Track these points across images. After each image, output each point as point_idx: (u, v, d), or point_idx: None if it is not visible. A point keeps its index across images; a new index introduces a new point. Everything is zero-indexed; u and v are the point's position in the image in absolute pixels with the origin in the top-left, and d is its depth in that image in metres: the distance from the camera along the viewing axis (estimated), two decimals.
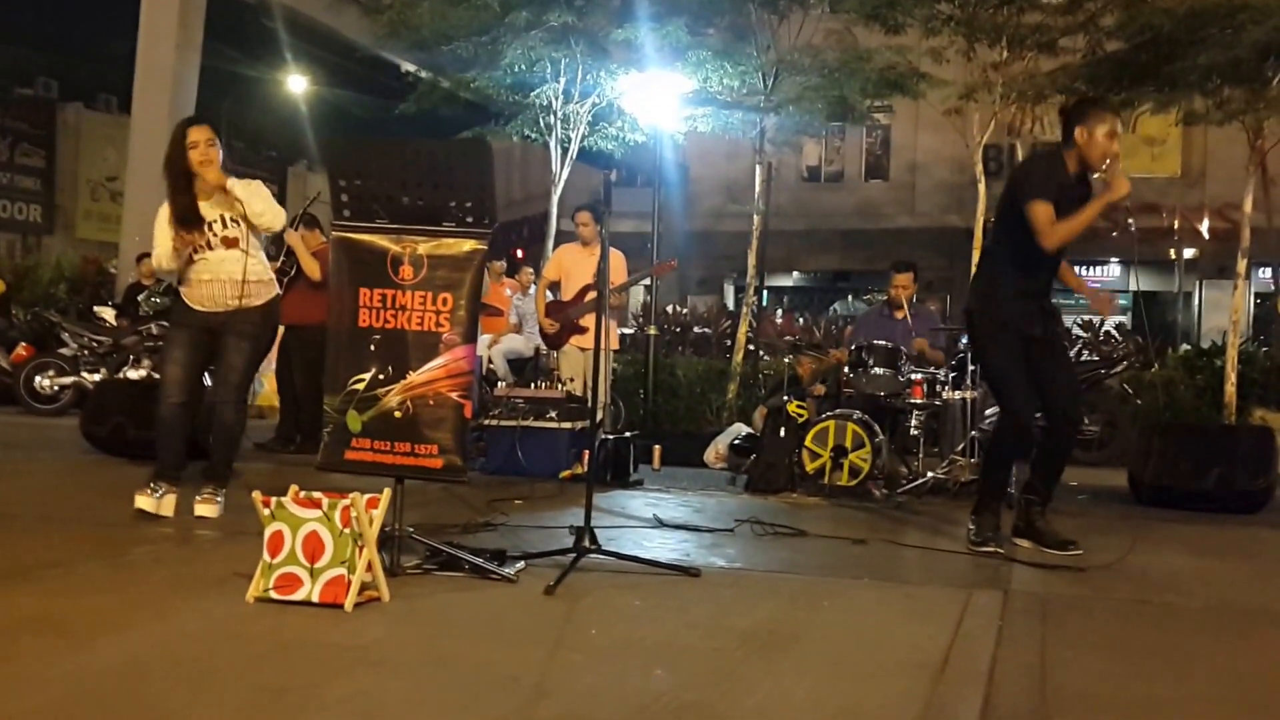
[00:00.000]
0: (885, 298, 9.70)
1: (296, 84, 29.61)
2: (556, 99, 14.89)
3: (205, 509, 6.07)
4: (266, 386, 14.18)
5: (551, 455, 8.57)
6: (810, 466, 8.25)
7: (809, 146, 28.65)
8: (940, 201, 27.17)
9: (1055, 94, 13.77)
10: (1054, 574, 5.34)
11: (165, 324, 13.25)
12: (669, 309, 17.80)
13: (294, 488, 4.24)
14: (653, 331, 13.21)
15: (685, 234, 27.32)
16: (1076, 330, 14.90)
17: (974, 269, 13.90)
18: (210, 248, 6.16)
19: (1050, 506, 6.14)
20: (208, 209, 6.18)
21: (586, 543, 4.93)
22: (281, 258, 9.74)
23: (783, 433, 8.46)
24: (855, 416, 8.29)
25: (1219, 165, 24.76)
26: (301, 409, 9.92)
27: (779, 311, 23.02)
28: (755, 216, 14.36)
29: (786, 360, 10.40)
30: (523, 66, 14.16)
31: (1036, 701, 3.34)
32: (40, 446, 10.05)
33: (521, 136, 16.11)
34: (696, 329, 16.71)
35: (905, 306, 9.23)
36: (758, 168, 14.50)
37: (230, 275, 6.12)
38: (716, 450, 9.87)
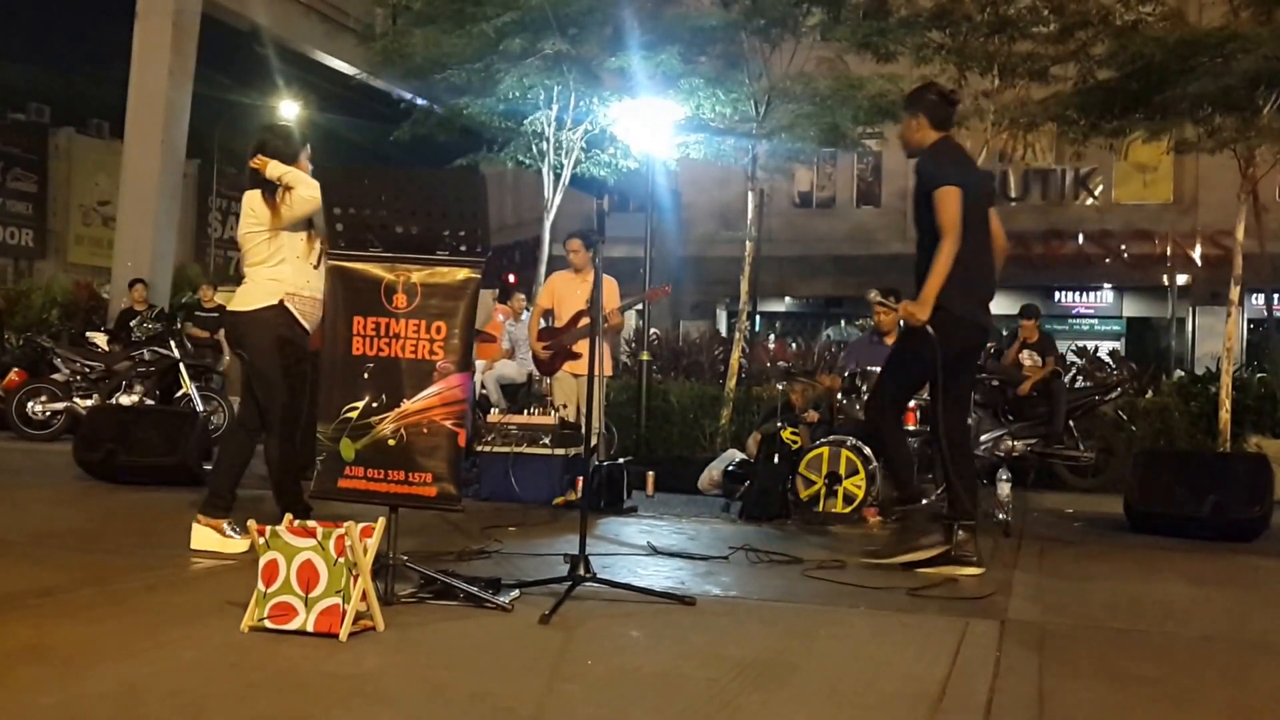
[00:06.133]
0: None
1: (289, 110, 29.67)
2: (549, 126, 14.96)
3: None
4: None
5: (545, 482, 8.55)
6: (804, 493, 8.23)
7: (801, 173, 28.77)
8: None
9: (1047, 122, 13.87)
10: (1052, 604, 5.33)
11: (157, 349, 13.32)
12: (652, 333, 17.78)
13: (288, 516, 4.23)
14: (645, 357, 13.22)
15: (678, 260, 27.38)
16: (1071, 356, 14.92)
17: None
18: (318, 263, 5.91)
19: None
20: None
21: (581, 571, 4.90)
22: None
23: (776, 459, 8.45)
24: (849, 443, 8.28)
25: (1211, 192, 24.88)
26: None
27: (771, 337, 23.00)
28: (748, 242, 14.39)
29: (780, 386, 10.39)
30: (516, 94, 14.23)
31: None
32: (33, 472, 10.03)
33: (515, 163, 16.16)
34: (688, 357, 16.69)
35: (895, 332, 9.24)
36: (750, 194, 14.54)
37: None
38: (710, 476, 9.85)
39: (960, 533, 6.02)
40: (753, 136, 14.00)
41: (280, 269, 5.99)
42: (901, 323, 6.14)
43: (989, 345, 14.91)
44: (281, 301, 5.96)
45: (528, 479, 8.55)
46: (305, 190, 5.80)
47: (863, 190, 30.97)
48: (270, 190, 5.94)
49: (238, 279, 6.49)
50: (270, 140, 6.15)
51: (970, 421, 8.26)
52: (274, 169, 5.94)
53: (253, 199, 6.03)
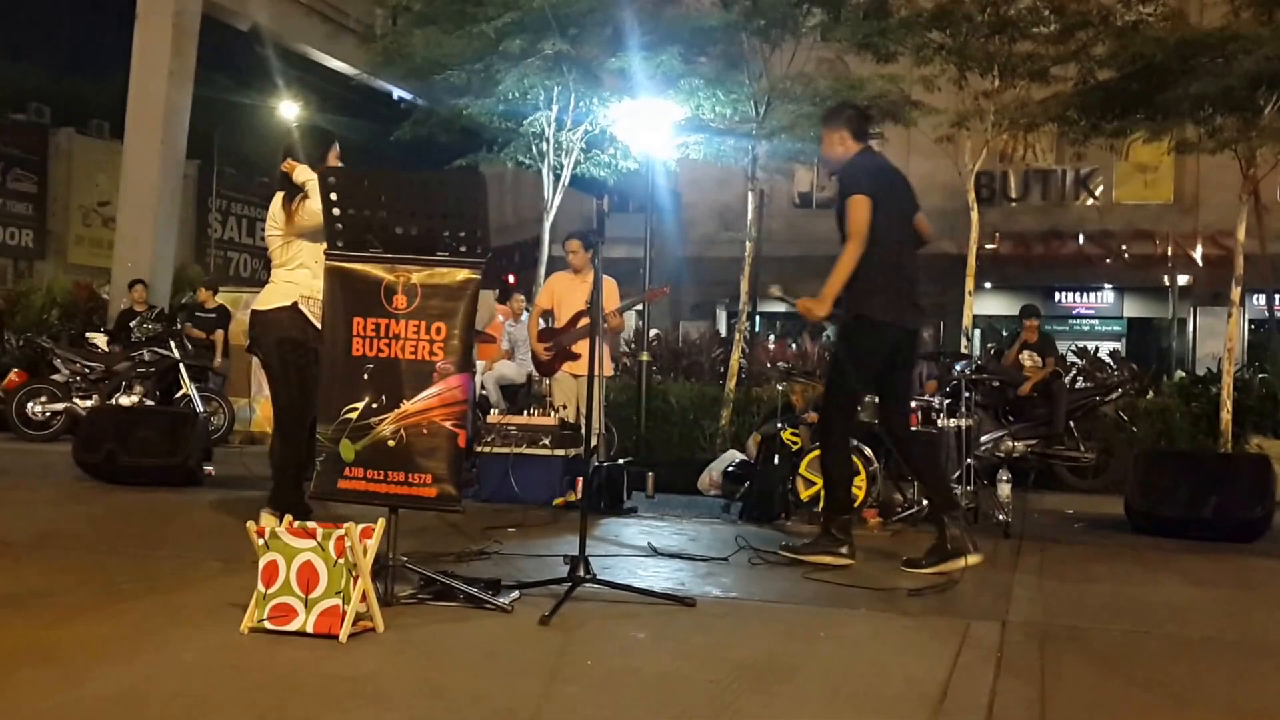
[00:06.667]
0: None
1: (289, 110, 29.66)
2: (549, 126, 14.94)
3: None
4: (260, 413, 14.18)
5: (545, 482, 8.53)
6: (804, 494, 8.22)
7: (801, 173, 28.68)
8: (933, 228, 27.07)
9: (1047, 122, 13.86)
10: (1053, 605, 5.32)
11: (157, 350, 13.31)
12: (652, 334, 17.82)
13: (288, 517, 4.22)
14: (645, 358, 13.21)
15: (678, 260, 27.34)
16: (1072, 357, 14.91)
17: (967, 294, 13.99)
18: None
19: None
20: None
21: (581, 572, 4.90)
22: None
23: (776, 460, 8.44)
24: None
25: (1212, 192, 24.84)
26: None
27: (771, 337, 22.96)
28: (747, 243, 14.38)
29: (780, 387, 10.37)
30: (516, 94, 14.21)
31: None
32: (32, 473, 10.02)
33: (515, 163, 16.15)
34: (688, 358, 16.68)
35: None
36: (750, 194, 14.53)
37: None
38: (710, 477, 9.83)
39: (950, 526, 6.08)
40: (753, 137, 13.98)
41: (296, 273, 6.12)
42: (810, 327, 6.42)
43: (989, 345, 14.91)
44: (295, 304, 6.09)
45: (527, 480, 8.54)
46: (316, 204, 5.84)
47: None
48: (292, 196, 6.02)
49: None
50: (296, 142, 6.24)
51: (970, 422, 8.30)
52: (301, 174, 6.02)
53: (275, 202, 6.22)
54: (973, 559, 5.97)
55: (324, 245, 6.00)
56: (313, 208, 5.89)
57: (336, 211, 4.85)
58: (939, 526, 6.15)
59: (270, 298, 6.18)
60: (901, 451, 6.55)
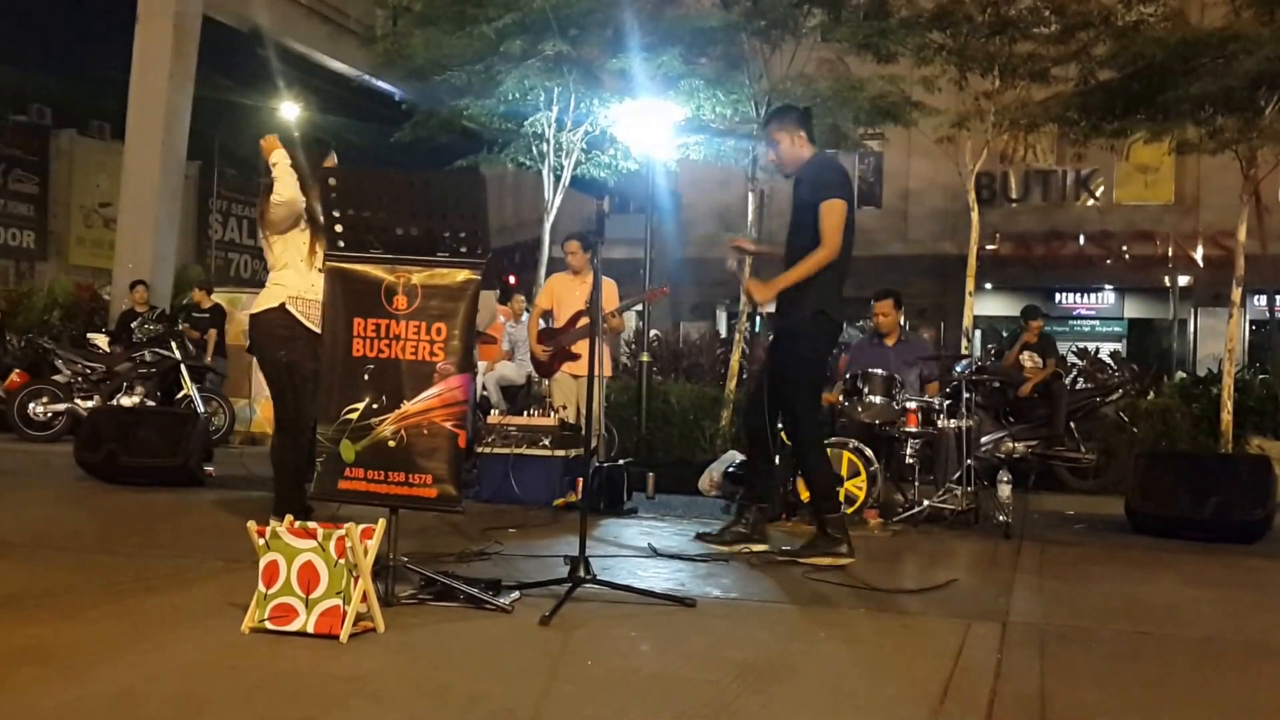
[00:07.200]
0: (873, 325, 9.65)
1: (290, 111, 29.66)
2: (550, 127, 14.96)
3: None
4: (260, 413, 14.19)
5: (545, 483, 8.54)
6: (805, 494, 8.21)
7: None
8: (933, 229, 27.20)
9: (1048, 123, 13.88)
10: (1053, 605, 5.32)
11: (159, 351, 13.33)
12: (652, 334, 17.81)
13: (289, 517, 4.22)
14: (646, 358, 13.21)
15: (678, 261, 27.34)
16: (1072, 357, 14.90)
17: (968, 295, 14.00)
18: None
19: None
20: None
21: (581, 572, 4.90)
22: None
23: (777, 461, 8.44)
24: (850, 445, 8.26)
25: (1213, 192, 24.86)
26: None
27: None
28: None
29: None
30: (517, 95, 14.23)
31: None
32: (34, 473, 10.03)
33: (515, 164, 16.16)
34: (688, 359, 16.67)
35: (895, 334, 9.27)
36: (750, 195, 14.54)
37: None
38: (711, 478, 9.83)
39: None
40: (753, 137, 13.99)
41: (284, 274, 6.15)
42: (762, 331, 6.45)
43: (989, 346, 14.89)
44: (283, 305, 6.11)
45: (528, 480, 8.54)
46: (274, 195, 6.00)
47: (863, 191, 30.89)
48: (267, 193, 6.06)
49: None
50: (291, 135, 6.31)
51: (971, 423, 8.30)
52: (276, 154, 6.03)
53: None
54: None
55: (303, 240, 6.10)
56: (272, 198, 5.95)
57: (337, 213, 4.85)
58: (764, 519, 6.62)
59: (261, 301, 6.24)
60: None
